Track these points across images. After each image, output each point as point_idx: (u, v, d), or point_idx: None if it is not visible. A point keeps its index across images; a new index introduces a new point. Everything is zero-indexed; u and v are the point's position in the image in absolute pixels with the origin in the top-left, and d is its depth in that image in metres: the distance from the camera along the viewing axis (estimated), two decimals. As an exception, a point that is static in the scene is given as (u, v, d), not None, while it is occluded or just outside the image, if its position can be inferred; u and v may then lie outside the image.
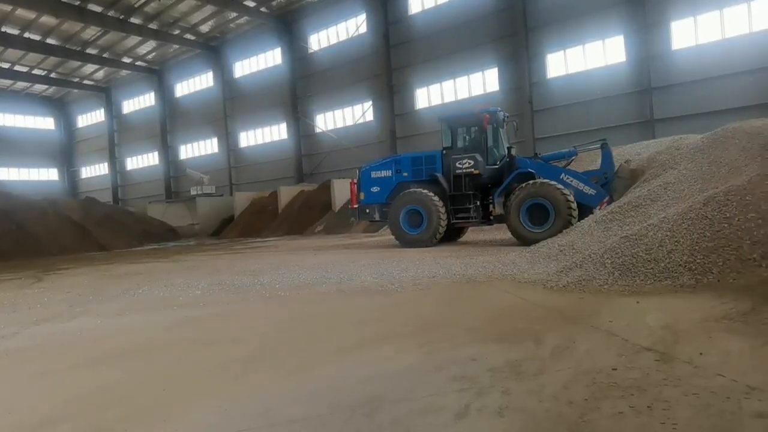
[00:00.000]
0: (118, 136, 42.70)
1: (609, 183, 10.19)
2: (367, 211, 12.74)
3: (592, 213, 10.03)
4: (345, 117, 28.71)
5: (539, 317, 4.17)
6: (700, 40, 17.67)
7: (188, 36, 32.30)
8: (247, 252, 14.29)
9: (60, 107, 45.92)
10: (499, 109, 12.24)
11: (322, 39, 29.11)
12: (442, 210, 11.37)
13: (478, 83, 23.55)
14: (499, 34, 22.35)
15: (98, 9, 27.83)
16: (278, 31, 29.72)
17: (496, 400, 2.51)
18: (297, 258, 11.03)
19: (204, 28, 31.51)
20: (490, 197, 11.39)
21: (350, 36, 27.54)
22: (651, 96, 18.72)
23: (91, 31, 30.82)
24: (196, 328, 4.78)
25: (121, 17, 28.91)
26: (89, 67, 37.42)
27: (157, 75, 37.85)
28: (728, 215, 4.68)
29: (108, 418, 2.66)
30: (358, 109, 27.96)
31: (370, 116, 27.45)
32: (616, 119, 19.61)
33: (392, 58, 26.02)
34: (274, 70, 31.07)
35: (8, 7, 26.76)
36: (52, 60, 35.18)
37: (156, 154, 39.28)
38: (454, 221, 11.63)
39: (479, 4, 22.69)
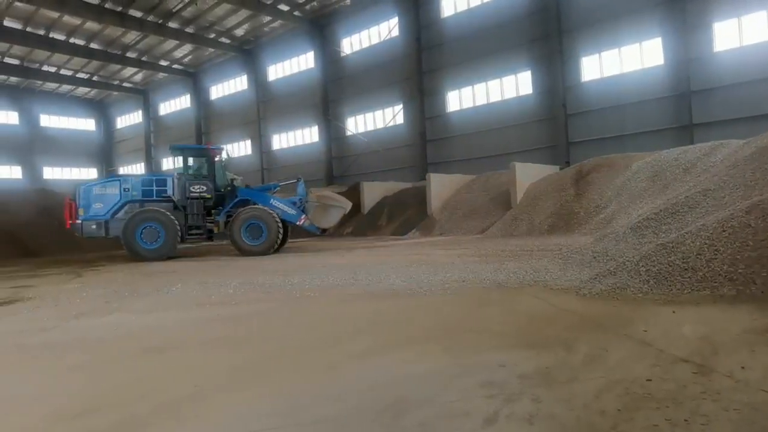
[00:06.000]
0: (155, 137, 43.93)
1: (303, 206, 14.08)
2: (93, 226, 13.46)
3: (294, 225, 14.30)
4: (375, 120, 28.84)
5: (570, 324, 4.08)
6: (744, 42, 17.07)
7: (223, 39, 33.02)
8: (275, 252, 14.45)
9: (100, 109, 47.60)
10: (223, 147, 15.28)
11: (354, 42, 29.33)
12: (178, 227, 13.18)
13: (511, 86, 23.32)
14: (532, 36, 22.08)
15: (138, 14, 28.79)
16: (311, 35, 30.09)
17: (525, 407, 2.46)
18: (325, 259, 11.12)
19: (239, 32, 32.15)
20: (213, 218, 13.99)
21: (382, 39, 27.66)
22: (690, 100, 18.17)
23: (131, 36, 31.90)
24: (228, 326, 4.85)
25: (159, 22, 29.81)
26: (128, 70, 38.72)
27: (192, 78, 38.82)
28: (773, 224, 4.48)
29: (141, 410, 2.72)
30: (388, 112, 28.04)
31: (400, 119, 27.48)
32: (652, 123, 19.12)
33: (423, 61, 26.00)
34: (306, 74, 31.45)
35: (56, 14, 27.93)
36: (95, 64, 36.58)
37: (191, 155, 40.16)
38: (188, 237, 13.61)
39: (512, 7, 22.47)
